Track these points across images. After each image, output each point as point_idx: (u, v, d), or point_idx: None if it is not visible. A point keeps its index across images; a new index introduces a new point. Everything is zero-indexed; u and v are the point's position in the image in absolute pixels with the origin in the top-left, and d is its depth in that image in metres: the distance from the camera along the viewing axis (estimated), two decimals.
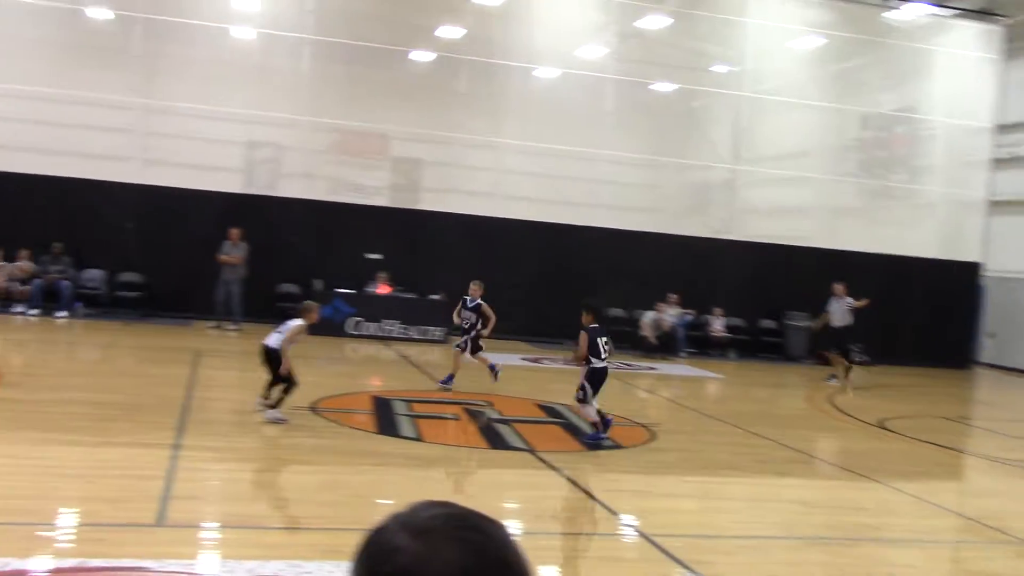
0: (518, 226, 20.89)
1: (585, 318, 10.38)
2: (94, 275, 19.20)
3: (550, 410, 12.54)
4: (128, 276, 19.32)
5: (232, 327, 18.21)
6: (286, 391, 10.11)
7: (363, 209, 20.68)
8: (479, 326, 13.30)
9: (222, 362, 15.06)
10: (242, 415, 10.35)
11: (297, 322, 10.32)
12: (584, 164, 21.76)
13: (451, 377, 13.26)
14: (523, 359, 18.20)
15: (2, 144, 18.73)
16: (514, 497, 8.59)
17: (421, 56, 21.57)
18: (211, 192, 19.61)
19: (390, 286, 19.91)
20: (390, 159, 22.01)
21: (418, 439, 10.13)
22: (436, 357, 17.61)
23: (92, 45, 19.83)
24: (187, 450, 8.60)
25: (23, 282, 18.30)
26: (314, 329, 17.93)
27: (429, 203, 21.41)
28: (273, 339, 10.19)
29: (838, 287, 18.47)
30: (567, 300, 20.57)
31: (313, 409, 10.96)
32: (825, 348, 18.84)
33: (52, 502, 7.00)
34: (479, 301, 13.36)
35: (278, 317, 11.26)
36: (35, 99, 18.95)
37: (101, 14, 20.12)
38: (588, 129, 21.59)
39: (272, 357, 10.11)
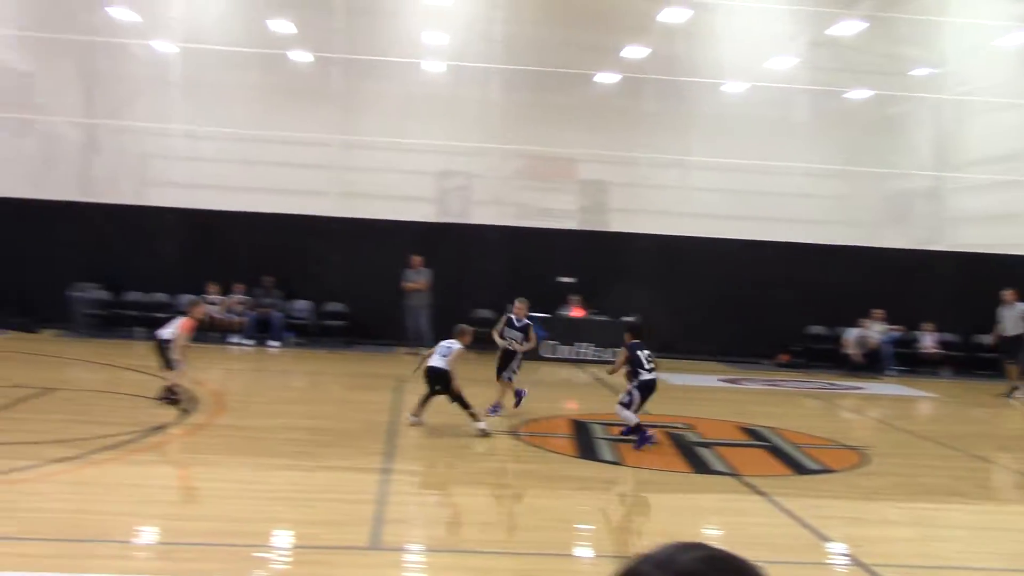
0: (708, 243, 20.54)
1: (627, 336, 11.13)
2: (302, 306, 20.20)
3: (753, 432, 12.18)
4: (333, 306, 20.20)
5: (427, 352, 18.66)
6: (466, 407, 10.74)
7: (553, 233, 20.85)
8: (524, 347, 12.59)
9: (423, 388, 15.41)
10: (445, 440, 10.57)
11: (457, 346, 10.93)
12: (774, 178, 21.17)
13: (520, 396, 12.59)
14: (720, 380, 17.82)
15: (216, 184, 20.08)
16: (719, 523, 8.37)
17: (606, 78, 21.62)
18: (406, 222, 20.30)
19: (583, 309, 19.94)
20: (577, 182, 22.11)
21: (619, 463, 10.04)
22: None
23: (294, 87, 20.97)
24: (396, 474, 8.85)
25: (238, 314, 19.47)
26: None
27: (617, 224, 21.37)
28: (438, 360, 10.80)
29: (1007, 294, 17.33)
30: (761, 318, 20.11)
31: (513, 433, 11.07)
32: (1003, 359, 17.60)
33: (271, 524, 7.32)
34: (527, 321, 12.80)
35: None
36: (244, 141, 20.22)
37: (302, 57, 21.27)
38: (778, 142, 21.02)
39: (438, 377, 10.71)
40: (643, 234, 20.69)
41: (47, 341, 18.07)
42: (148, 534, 7.07)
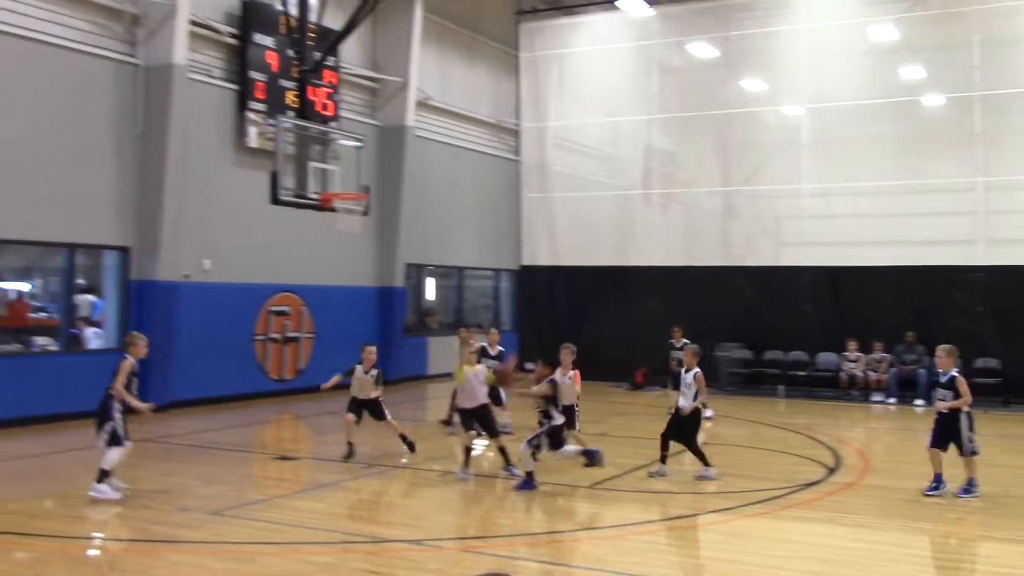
0: None
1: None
2: None
3: None
4: (983, 362, 18.65)
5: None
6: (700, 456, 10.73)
7: None
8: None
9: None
10: None
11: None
12: None
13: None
14: None
15: (850, 240, 19.93)
16: None
17: None
18: None
19: None
20: None
21: None
22: None
23: (927, 133, 20.00)
24: None
25: (879, 372, 18.97)
26: None
27: None
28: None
29: None
30: None
31: None
32: None
33: None
34: (952, 374, 9.94)
35: None
36: (877, 193, 19.77)
37: (935, 100, 20.25)
38: None
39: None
40: None
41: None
42: None
